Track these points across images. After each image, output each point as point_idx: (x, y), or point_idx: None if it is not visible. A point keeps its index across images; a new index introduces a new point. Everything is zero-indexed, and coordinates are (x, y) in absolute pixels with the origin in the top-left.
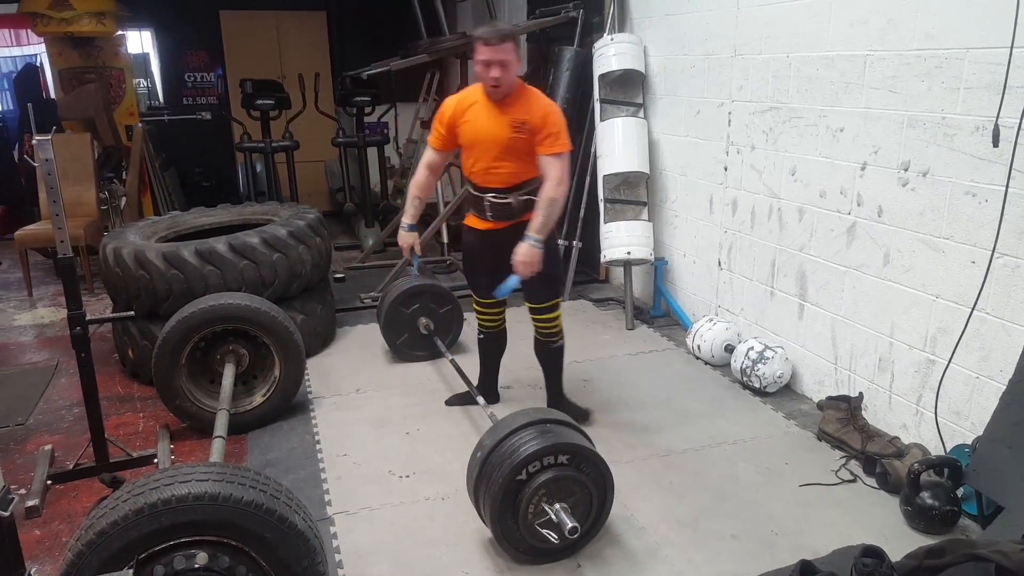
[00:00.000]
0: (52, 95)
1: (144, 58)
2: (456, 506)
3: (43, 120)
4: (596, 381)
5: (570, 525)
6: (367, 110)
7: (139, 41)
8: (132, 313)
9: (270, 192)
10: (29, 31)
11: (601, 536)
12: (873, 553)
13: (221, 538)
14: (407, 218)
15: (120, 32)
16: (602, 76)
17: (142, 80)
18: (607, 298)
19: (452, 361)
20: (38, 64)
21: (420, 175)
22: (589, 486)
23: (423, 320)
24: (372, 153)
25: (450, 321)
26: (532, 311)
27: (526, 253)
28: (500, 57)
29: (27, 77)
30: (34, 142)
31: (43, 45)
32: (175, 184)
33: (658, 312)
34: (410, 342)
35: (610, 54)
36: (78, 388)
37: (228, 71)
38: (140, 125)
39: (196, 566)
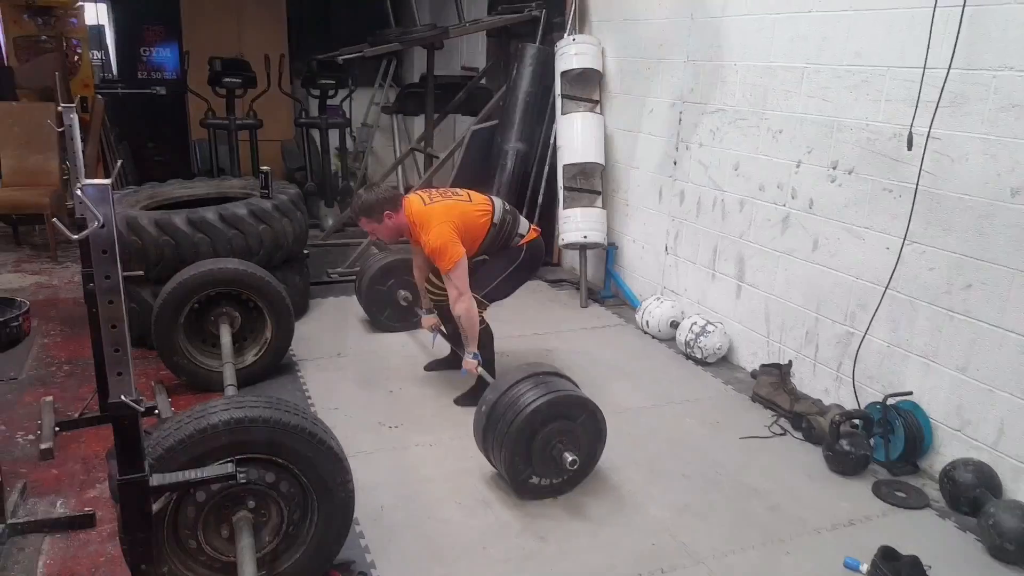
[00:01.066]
0: (5, 63)
1: (99, 30)
2: (443, 451)
3: None
4: (556, 351)
5: (570, 459)
6: (330, 92)
7: (94, 12)
8: (140, 272)
9: (232, 169)
10: None
11: None
12: (891, 555)
13: (270, 456)
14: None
15: (80, 3)
16: (563, 73)
17: (95, 52)
18: (560, 279)
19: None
20: None
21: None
22: (580, 432)
23: (402, 292)
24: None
25: None
26: None
27: None
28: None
29: None
30: None
31: None
32: (127, 158)
33: (608, 293)
34: (393, 315)
35: (571, 53)
36: (61, 348)
37: (185, 46)
38: (100, 97)
39: (244, 481)
